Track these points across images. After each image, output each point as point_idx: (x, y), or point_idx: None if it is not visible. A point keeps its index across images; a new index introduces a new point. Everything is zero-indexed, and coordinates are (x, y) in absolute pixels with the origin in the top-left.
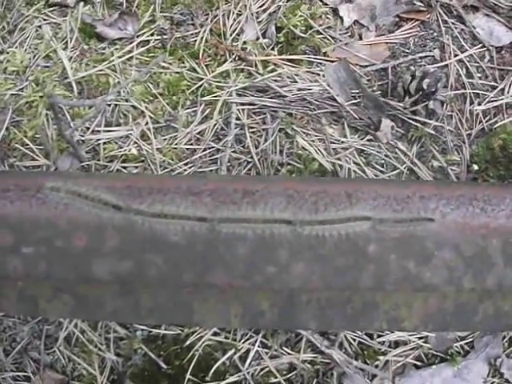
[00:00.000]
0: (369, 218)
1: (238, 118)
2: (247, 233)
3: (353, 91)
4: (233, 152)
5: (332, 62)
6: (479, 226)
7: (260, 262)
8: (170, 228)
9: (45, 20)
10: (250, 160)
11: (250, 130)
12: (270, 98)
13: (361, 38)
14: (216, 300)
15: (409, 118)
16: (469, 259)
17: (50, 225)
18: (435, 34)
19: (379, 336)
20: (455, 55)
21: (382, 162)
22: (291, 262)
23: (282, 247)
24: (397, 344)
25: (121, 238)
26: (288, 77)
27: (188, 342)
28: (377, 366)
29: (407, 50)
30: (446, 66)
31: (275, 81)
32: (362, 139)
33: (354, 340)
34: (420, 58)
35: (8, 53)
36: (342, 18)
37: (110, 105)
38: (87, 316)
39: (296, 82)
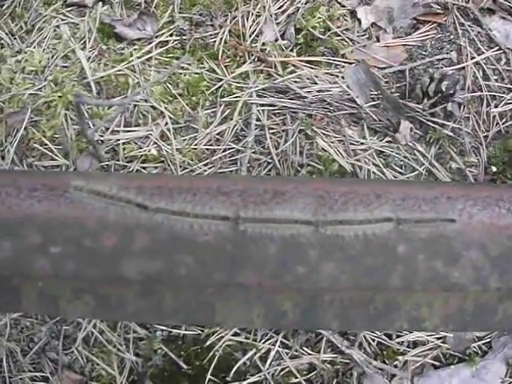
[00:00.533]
0: (390, 219)
1: (257, 119)
2: (277, 233)
3: (372, 93)
4: (253, 153)
5: (350, 63)
6: (505, 227)
7: (290, 262)
8: (200, 228)
9: (63, 20)
10: (270, 161)
11: (270, 131)
12: (290, 99)
13: (378, 40)
14: (239, 300)
15: (427, 120)
16: (495, 259)
17: (78, 224)
18: (452, 36)
19: (398, 336)
20: (472, 58)
21: (401, 163)
22: (321, 261)
23: (311, 247)
24: (415, 344)
25: (150, 238)
26: (308, 78)
27: (208, 343)
28: (396, 366)
29: (424, 53)
30: (463, 68)
31: (295, 82)
32: (381, 140)
33: (373, 340)
34: (437, 60)
35: (26, 52)
36: (359, 20)
37: (129, 105)
38: (108, 316)
39: (316, 83)
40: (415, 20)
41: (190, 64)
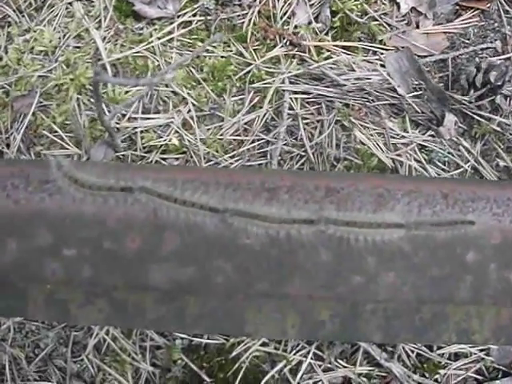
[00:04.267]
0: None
1: (290, 108)
2: (331, 237)
3: (414, 82)
4: (284, 145)
5: (388, 50)
6: None
7: (345, 271)
8: (241, 229)
9: None
10: (303, 154)
11: (304, 121)
12: (326, 86)
13: (418, 27)
14: (271, 309)
15: (473, 114)
16: None
17: (96, 223)
18: (496, 24)
19: (439, 348)
20: None
21: (445, 159)
22: (380, 271)
23: (370, 254)
24: (457, 356)
25: (181, 240)
26: (345, 65)
27: (234, 353)
28: (437, 380)
29: (467, 41)
30: (508, 58)
31: (331, 68)
32: (423, 134)
33: (413, 351)
34: (481, 49)
35: (35, 31)
36: (398, 5)
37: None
38: (125, 324)
39: (353, 70)
40: (457, 6)
41: (215, 46)
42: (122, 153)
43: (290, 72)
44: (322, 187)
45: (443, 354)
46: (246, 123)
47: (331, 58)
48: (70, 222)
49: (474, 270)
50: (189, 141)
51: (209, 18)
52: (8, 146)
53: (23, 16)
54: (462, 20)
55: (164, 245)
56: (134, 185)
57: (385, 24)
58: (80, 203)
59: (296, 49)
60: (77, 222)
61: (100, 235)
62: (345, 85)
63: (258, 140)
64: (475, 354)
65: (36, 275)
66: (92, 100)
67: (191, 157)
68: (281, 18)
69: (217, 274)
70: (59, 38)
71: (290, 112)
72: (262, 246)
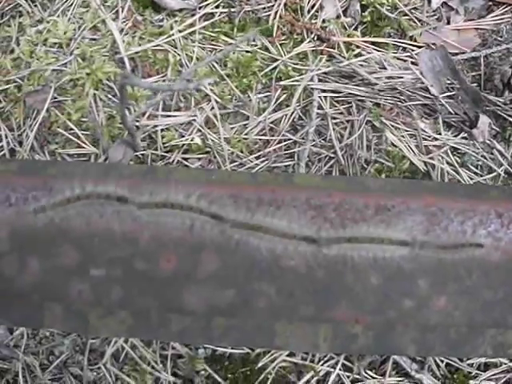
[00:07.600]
0: (406, 243)
1: (319, 107)
2: (381, 258)
3: (447, 82)
4: (312, 146)
5: (419, 47)
6: None
7: (395, 295)
8: (285, 250)
9: None
10: (332, 155)
11: (333, 121)
12: (357, 85)
13: (448, 22)
14: (303, 322)
15: (507, 115)
16: None
17: (127, 241)
18: None
19: (468, 357)
20: None
21: (478, 163)
22: (432, 294)
23: (421, 277)
24: (487, 366)
25: (221, 261)
26: (376, 62)
27: (260, 364)
28: None
29: (500, 38)
30: None
31: (362, 66)
32: (455, 136)
33: (442, 361)
34: None
35: (49, 22)
36: None
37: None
38: (148, 336)
39: (385, 68)
40: (489, 1)
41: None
42: (141, 152)
43: (319, 69)
44: (372, 205)
45: (473, 364)
46: (272, 122)
47: (361, 54)
48: (99, 240)
49: None
50: (212, 140)
51: (232, 10)
52: (21, 143)
53: (35, 5)
54: (495, 16)
55: (201, 266)
56: (171, 200)
57: (415, 19)
58: (110, 219)
59: (324, 44)
60: (106, 239)
61: (131, 254)
62: (376, 84)
63: (285, 140)
64: (505, 364)
65: (60, 296)
66: (110, 96)
67: (214, 157)
68: (308, 12)
69: (259, 298)
70: (74, 30)
71: (319, 111)
72: (307, 268)
